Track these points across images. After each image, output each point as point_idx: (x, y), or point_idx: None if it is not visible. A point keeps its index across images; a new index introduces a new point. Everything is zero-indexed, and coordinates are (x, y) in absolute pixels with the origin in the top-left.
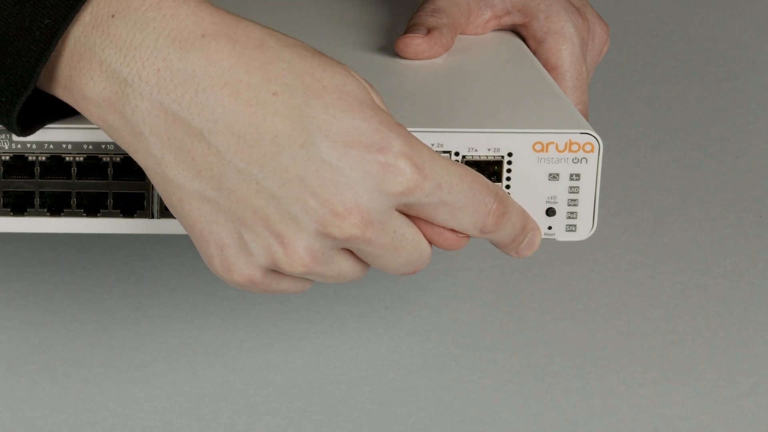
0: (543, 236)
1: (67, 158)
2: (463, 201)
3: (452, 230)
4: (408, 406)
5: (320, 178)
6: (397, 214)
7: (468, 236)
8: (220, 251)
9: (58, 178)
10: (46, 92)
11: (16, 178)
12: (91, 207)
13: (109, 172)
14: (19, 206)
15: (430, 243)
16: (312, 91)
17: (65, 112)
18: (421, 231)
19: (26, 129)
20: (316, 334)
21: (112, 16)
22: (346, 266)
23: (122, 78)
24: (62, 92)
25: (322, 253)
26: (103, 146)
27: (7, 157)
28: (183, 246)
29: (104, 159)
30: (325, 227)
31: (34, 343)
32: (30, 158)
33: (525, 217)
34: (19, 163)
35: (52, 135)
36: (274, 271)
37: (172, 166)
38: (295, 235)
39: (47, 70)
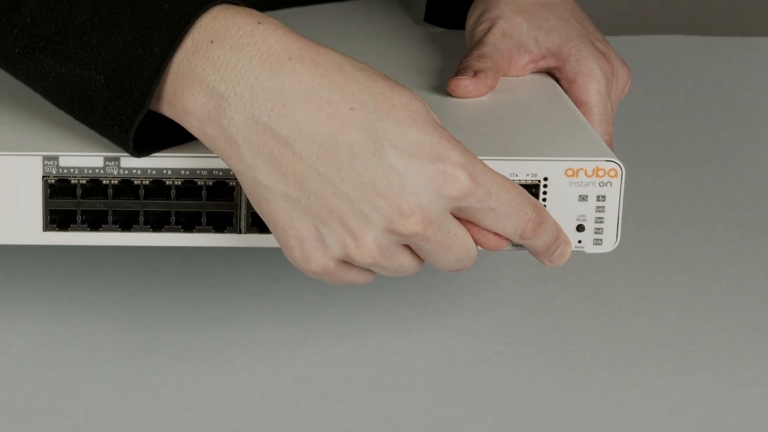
0: (573, 249)
1: (167, 182)
2: (508, 209)
3: (496, 234)
4: (458, 395)
5: (389, 182)
6: (451, 216)
7: (509, 240)
8: (300, 244)
9: (159, 199)
10: (155, 112)
11: (124, 200)
12: (188, 224)
13: (203, 194)
14: (126, 223)
15: (477, 244)
16: (383, 109)
17: (171, 141)
18: (469, 233)
19: (140, 151)
20: (380, 333)
21: (211, 42)
22: (405, 261)
23: (219, 94)
24: (167, 108)
25: (387, 247)
26: (198, 171)
27: (116, 182)
28: (264, 256)
29: (199, 183)
30: (392, 224)
31: (139, 340)
32: (135, 182)
33: (558, 230)
34: (126, 187)
35: (155, 162)
36: (345, 262)
37: (261, 170)
38: (366, 230)
39: (156, 90)
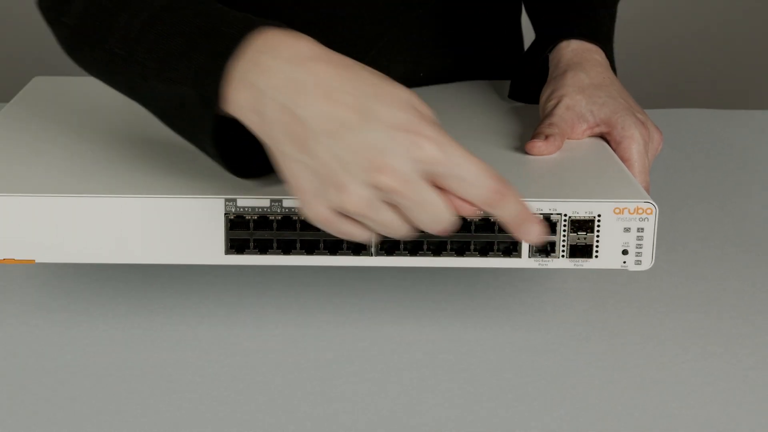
0: (620, 268)
1: (294, 217)
2: (473, 178)
3: (467, 201)
4: (527, 377)
5: (372, 146)
6: (425, 181)
7: (478, 208)
8: (304, 195)
9: (311, 231)
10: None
11: (285, 231)
12: (333, 249)
13: None
14: (286, 249)
15: (455, 210)
16: (376, 96)
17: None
18: (444, 199)
19: (238, 171)
20: (473, 330)
21: (261, 52)
22: (390, 216)
23: (259, 88)
24: (224, 105)
25: (370, 200)
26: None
27: (279, 218)
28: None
29: None
30: (372, 179)
31: (296, 337)
32: (293, 218)
33: (525, 208)
34: (286, 221)
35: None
36: (342, 214)
37: (284, 143)
38: (352, 184)
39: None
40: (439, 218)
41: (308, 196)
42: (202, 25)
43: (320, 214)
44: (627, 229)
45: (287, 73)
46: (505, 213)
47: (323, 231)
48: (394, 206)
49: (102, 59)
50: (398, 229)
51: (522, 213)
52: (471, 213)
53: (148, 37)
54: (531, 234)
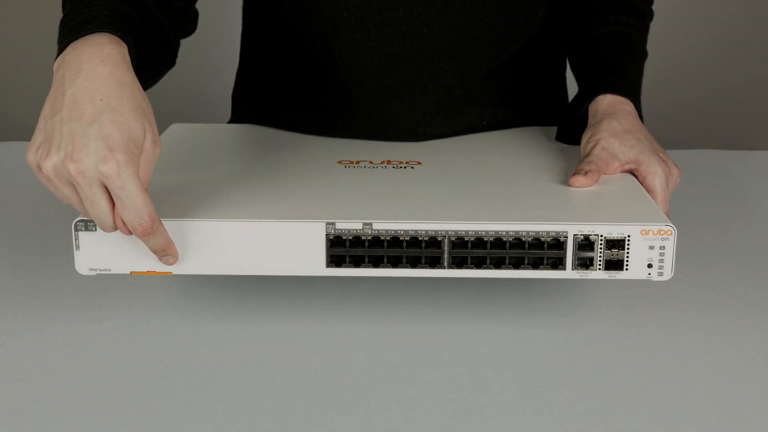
0: (645, 278)
1: (400, 238)
2: (131, 206)
3: (125, 223)
4: (570, 369)
5: (80, 143)
6: (100, 186)
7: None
8: (31, 143)
9: (396, 248)
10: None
11: (375, 249)
12: (413, 263)
13: (422, 245)
14: (376, 263)
15: (120, 226)
16: (115, 113)
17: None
18: (113, 211)
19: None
20: (528, 329)
21: (85, 44)
22: (67, 192)
23: (64, 59)
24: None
25: (59, 174)
26: (419, 231)
27: (370, 238)
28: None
29: (419, 238)
30: (65, 160)
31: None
32: (381, 238)
33: (167, 243)
34: (375, 241)
35: (392, 226)
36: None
37: (49, 100)
38: (54, 156)
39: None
40: (101, 220)
41: (33, 146)
42: (80, 20)
43: (30, 161)
44: (651, 247)
45: (82, 60)
46: (149, 244)
47: (405, 248)
48: (75, 190)
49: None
50: (75, 203)
51: (163, 246)
52: (123, 230)
53: (68, 7)
54: (169, 260)
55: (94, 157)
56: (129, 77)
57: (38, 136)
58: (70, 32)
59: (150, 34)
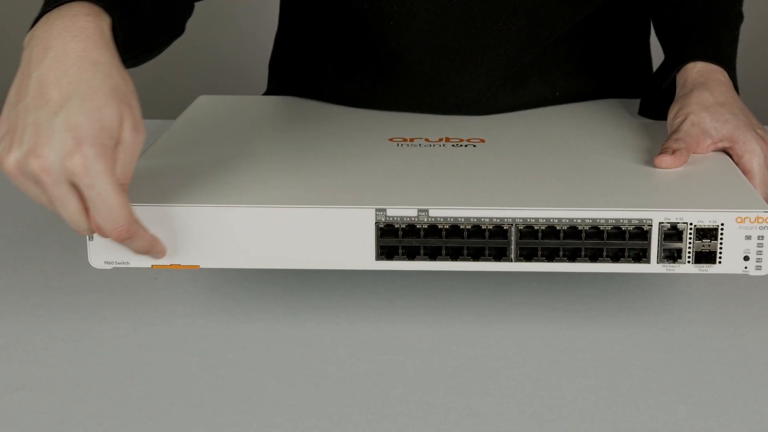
0: (741, 273)
1: (461, 227)
2: (103, 208)
3: (99, 227)
4: (657, 373)
5: (44, 134)
6: (67, 184)
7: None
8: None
9: (456, 238)
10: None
11: (431, 238)
12: (476, 255)
13: (486, 235)
14: (432, 255)
15: (96, 229)
16: (84, 98)
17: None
18: (86, 212)
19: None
20: (608, 330)
21: (57, 17)
22: (36, 191)
23: (33, 34)
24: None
25: (23, 170)
26: (483, 219)
27: (426, 226)
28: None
29: (483, 227)
30: (27, 155)
31: (442, 336)
32: (439, 226)
33: (154, 243)
34: (432, 229)
35: (450, 213)
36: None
37: (14, 86)
38: (17, 150)
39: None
40: (74, 222)
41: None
42: None
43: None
44: (748, 237)
45: (52, 36)
46: (132, 247)
47: (466, 238)
48: (41, 188)
49: None
50: (43, 202)
51: (146, 248)
52: (101, 233)
53: None
54: (157, 256)
55: (59, 151)
56: (105, 55)
57: (2, 126)
58: (48, 1)
59: None
